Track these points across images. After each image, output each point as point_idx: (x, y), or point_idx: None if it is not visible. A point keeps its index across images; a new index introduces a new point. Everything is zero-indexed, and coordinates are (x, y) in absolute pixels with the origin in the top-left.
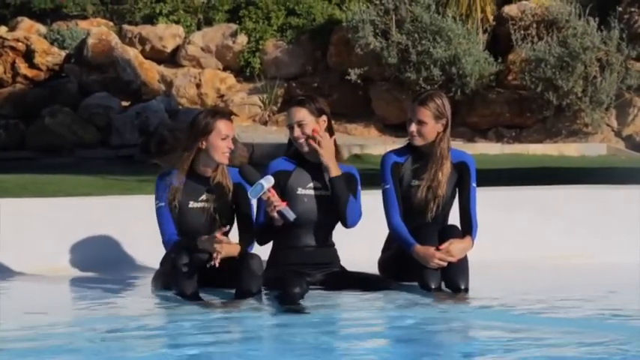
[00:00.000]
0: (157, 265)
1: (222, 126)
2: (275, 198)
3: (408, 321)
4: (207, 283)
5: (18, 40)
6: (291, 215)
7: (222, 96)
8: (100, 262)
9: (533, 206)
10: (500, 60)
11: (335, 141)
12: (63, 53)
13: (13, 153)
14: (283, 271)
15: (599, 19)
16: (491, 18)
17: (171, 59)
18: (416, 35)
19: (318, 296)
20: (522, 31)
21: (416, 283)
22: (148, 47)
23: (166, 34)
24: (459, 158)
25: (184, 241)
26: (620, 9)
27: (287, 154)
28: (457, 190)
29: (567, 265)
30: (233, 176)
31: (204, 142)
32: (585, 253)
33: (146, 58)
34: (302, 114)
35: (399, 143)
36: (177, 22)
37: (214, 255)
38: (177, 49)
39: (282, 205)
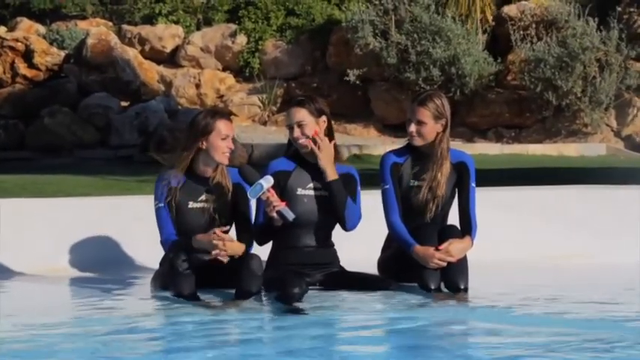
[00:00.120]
0: (156, 266)
1: (222, 126)
2: (274, 198)
3: (407, 321)
4: (207, 283)
5: (17, 41)
6: (290, 215)
7: (221, 96)
8: (100, 263)
9: (533, 206)
10: (499, 60)
11: (335, 142)
12: (62, 53)
13: (12, 153)
14: (283, 271)
15: (599, 19)
16: (490, 18)
17: (171, 59)
18: (415, 35)
19: (317, 296)
20: (522, 32)
21: (415, 284)
22: (147, 47)
23: (166, 34)
24: (458, 158)
25: (182, 242)
26: (619, 9)
27: (287, 155)
28: (456, 190)
29: (567, 265)
30: (232, 176)
31: (204, 143)
32: (585, 253)
33: (145, 58)
34: (301, 114)
35: (399, 143)
36: (176, 23)
37: (216, 251)
38: (176, 50)
39: (281, 205)
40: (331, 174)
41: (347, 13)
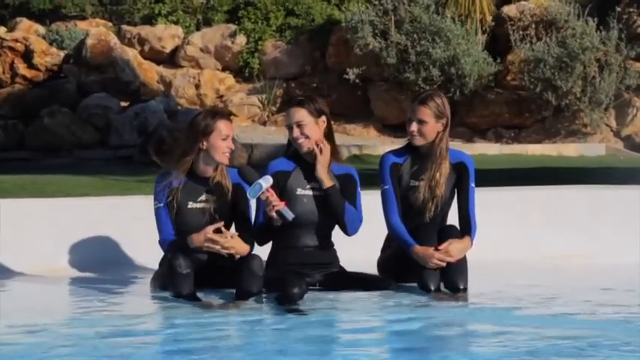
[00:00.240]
0: (156, 266)
1: (222, 126)
2: (274, 198)
3: (407, 321)
4: (207, 284)
5: (17, 41)
6: (289, 215)
7: (221, 96)
8: (99, 263)
9: (532, 206)
10: (499, 60)
11: (334, 142)
12: (62, 54)
13: (12, 153)
14: (283, 271)
15: (598, 19)
16: (490, 18)
17: (170, 60)
18: (415, 36)
19: (317, 297)
20: (521, 32)
21: (415, 284)
22: (146, 48)
23: (165, 34)
24: (457, 158)
25: (180, 242)
26: (619, 9)
27: (286, 155)
28: (456, 190)
29: (567, 265)
30: (232, 177)
31: (204, 143)
32: (585, 253)
33: (145, 58)
34: (301, 114)
35: (398, 143)
36: (176, 23)
37: (218, 247)
38: (176, 50)
39: (280, 205)
40: (327, 182)
41: (346, 13)
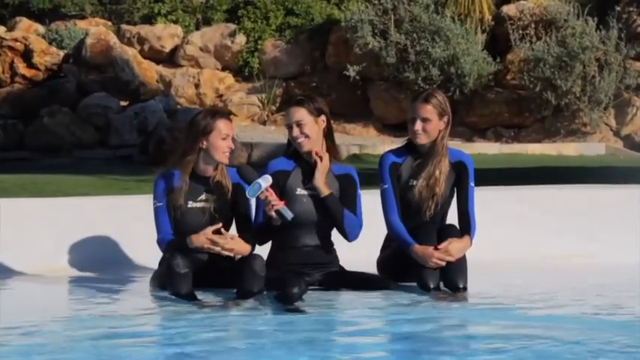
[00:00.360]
0: (155, 265)
1: (222, 125)
2: (273, 197)
3: (406, 321)
4: (208, 284)
5: (16, 40)
6: (289, 215)
7: (220, 96)
8: (99, 262)
9: (532, 206)
10: (498, 60)
11: (334, 141)
12: (61, 53)
13: (11, 153)
14: (282, 271)
15: (598, 18)
16: (489, 18)
17: (170, 59)
18: (414, 35)
19: (317, 296)
20: (521, 31)
21: (414, 283)
22: (146, 47)
23: (165, 34)
24: (457, 158)
25: (179, 241)
26: (618, 9)
27: (286, 154)
28: (455, 189)
29: (567, 265)
30: (232, 176)
31: (204, 142)
32: (585, 253)
33: (145, 58)
34: (301, 114)
35: (398, 143)
36: (175, 22)
37: (219, 249)
38: (175, 49)
39: (280, 205)
40: (324, 190)
41: (346, 12)
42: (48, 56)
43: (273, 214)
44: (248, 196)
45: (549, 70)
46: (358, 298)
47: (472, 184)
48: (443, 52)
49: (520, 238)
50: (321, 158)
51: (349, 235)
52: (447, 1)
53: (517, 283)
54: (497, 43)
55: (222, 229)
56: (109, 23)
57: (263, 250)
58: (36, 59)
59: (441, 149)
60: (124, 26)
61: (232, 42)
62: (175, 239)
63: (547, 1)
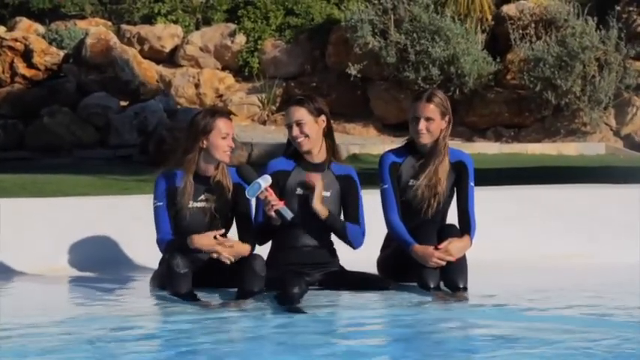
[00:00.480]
0: (155, 265)
1: (222, 125)
2: (272, 197)
3: (406, 320)
4: (208, 284)
5: (16, 40)
6: (288, 215)
7: (220, 96)
8: (99, 262)
9: (532, 206)
10: (498, 59)
11: (334, 141)
12: (61, 53)
13: (11, 153)
14: (282, 271)
15: (598, 18)
16: (489, 17)
17: (170, 59)
18: (414, 35)
19: (317, 296)
20: (521, 31)
21: (415, 283)
22: (146, 47)
23: (165, 33)
24: (457, 158)
25: (179, 241)
26: (618, 8)
27: (286, 154)
28: (455, 189)
29: (567, 264)
30: (232, 176)
31: (204, 142)
32: (585, 253)
33: (145, 57)
34: (301, 113)
35: (398, 143)
36: (175, 22)
37: (216, 256)
38: (175, 49)
39: (279, 205)
40: (323, 212)
41: (346, 12)
42: (48, 56)
43: (273, 214)
44: (247, 196)
45: (549, 69)
46: (358, 298)
47: (472, 183)
48: (443, 52)
49: (520, 238)
50: (313, 188)
51: (354, 245)
52: (447, 0)
53: (517, 283)
54: (497, 42)
55: (219, 237)
56: (109, 23)
57: (263, 250)
58: (36, 59)
59: (443, 149)
60: (124, 26)
61: (232, 42)
62: (175, 239)
63: (547, 1)
